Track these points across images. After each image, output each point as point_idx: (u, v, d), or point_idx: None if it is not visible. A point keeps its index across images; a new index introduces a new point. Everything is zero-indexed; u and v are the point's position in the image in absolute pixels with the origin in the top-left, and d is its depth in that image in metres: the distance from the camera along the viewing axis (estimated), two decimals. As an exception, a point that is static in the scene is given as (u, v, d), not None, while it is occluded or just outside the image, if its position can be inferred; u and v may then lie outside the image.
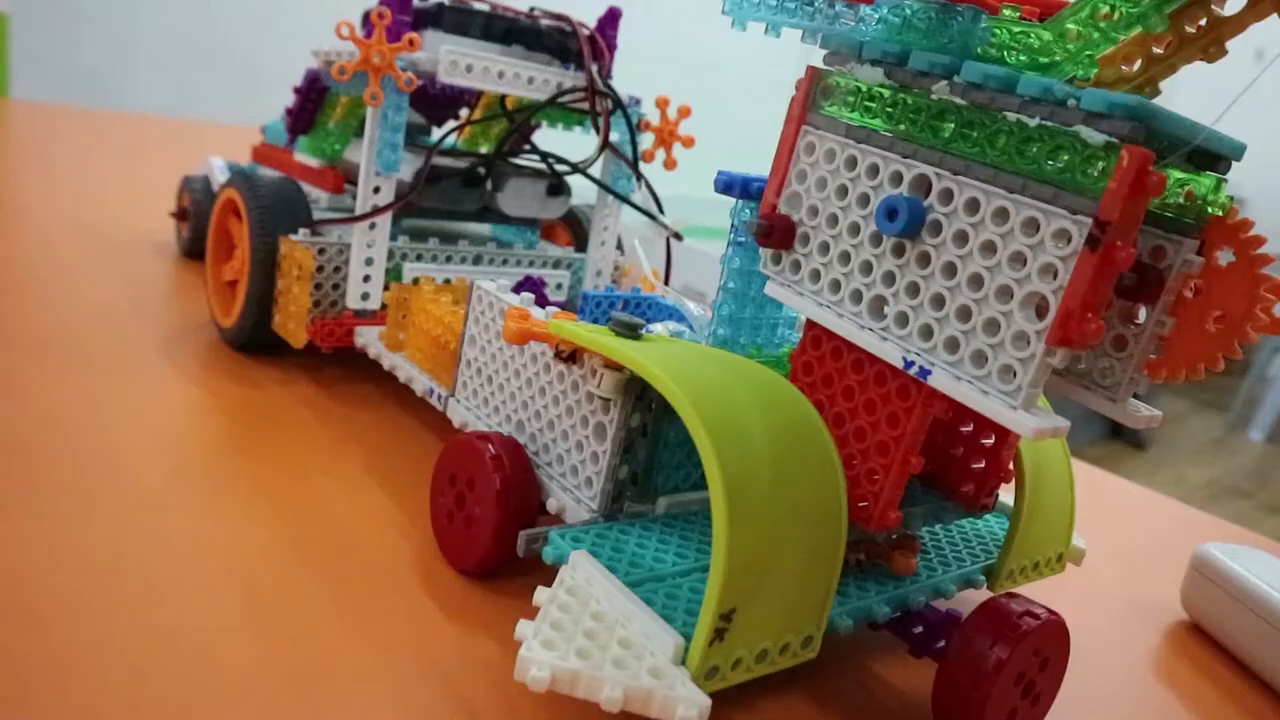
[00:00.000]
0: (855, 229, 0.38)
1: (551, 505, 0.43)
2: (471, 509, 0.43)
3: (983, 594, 0.48)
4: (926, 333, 0.35)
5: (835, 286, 0.39)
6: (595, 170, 0.72)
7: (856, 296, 0.38)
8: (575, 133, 0.80)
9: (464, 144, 0.85)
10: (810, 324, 0.41)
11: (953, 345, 0.34)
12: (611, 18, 0.71)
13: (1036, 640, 0.37)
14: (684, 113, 0.72)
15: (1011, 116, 0.33)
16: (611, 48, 0.70)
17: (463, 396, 0.52)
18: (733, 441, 0.32)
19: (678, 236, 0.69)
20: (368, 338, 0.62)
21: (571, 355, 0.40)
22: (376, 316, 0.65)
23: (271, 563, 0.43)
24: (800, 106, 0.40)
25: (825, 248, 0.39)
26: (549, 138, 0.82)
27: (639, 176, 0.70)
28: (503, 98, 0.71)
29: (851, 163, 0.38)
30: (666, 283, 0.76)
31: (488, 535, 0.42)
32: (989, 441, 0.44)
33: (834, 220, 0.39)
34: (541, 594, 0.35)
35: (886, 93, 0.37)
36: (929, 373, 0.35)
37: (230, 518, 0.46)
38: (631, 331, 0.39)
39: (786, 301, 0.41)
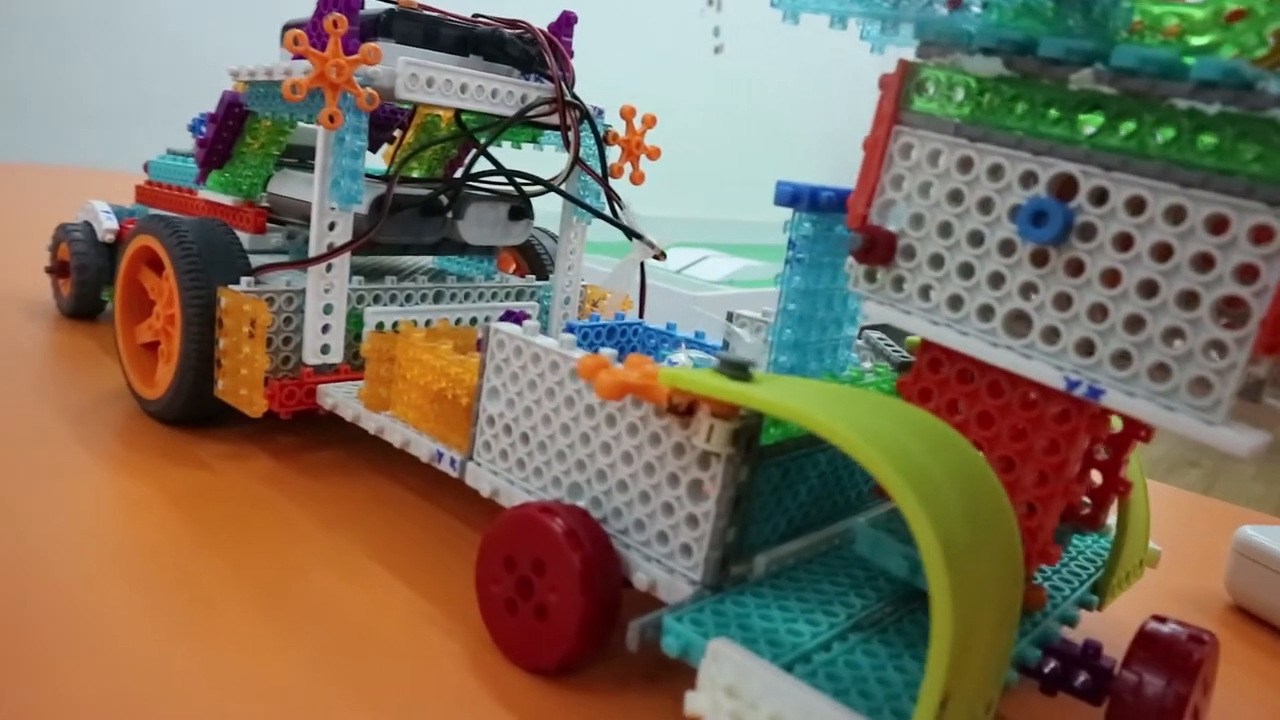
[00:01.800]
0: (977, 238, 0.34)
1: (640, 581, 0.37)
2: (544, 597, 0.37)
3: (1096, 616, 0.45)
4: (1086, 348, 0.32)
5: (956, 303, 0.35)
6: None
7: (986, 312, 0.34)
8: (525, 150, 0.74)
9: (391, 170, 0.77)
10: (926, 346, 0.36)
11: (1122, 360, 0.31)
12: (566, 22, 0.65)
13: (1207, 668, 0.35)
14: (649, 123, 0.67)
15: (1181, 104, 0.29)
16: (569, 54, 0.64)
17: (486, 459, 0.44)
18: (936, 504, 0.27)
19: (662, 255, 0.64)
20: (338, 397, 0.54)
21: (690, 408, 0.34)
22: (339, 371, 0.57)
23: (296, 697, 0.35)
24: (892, 105, 0.36)
25: (938, 260, 0.35)
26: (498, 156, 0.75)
27: (610, 193, 0.64)
28: (458, 114, 0.64)
29: (966, 164, 0.34)
30: (641, 310, 0.70)
31: (571, 628, 0.36)
32: (1101, 456, 0.41)
33: (947, 229, 0.35)
34: (698, 702, 0.29)
35: (1008, 85, 0.33)
36: (1101, 392, 0.31)
37: (224, 642, 0.38)
38: (742, 373, 0.33)
39: (893, 323, 0.36)
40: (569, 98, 0.61)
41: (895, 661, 0.33)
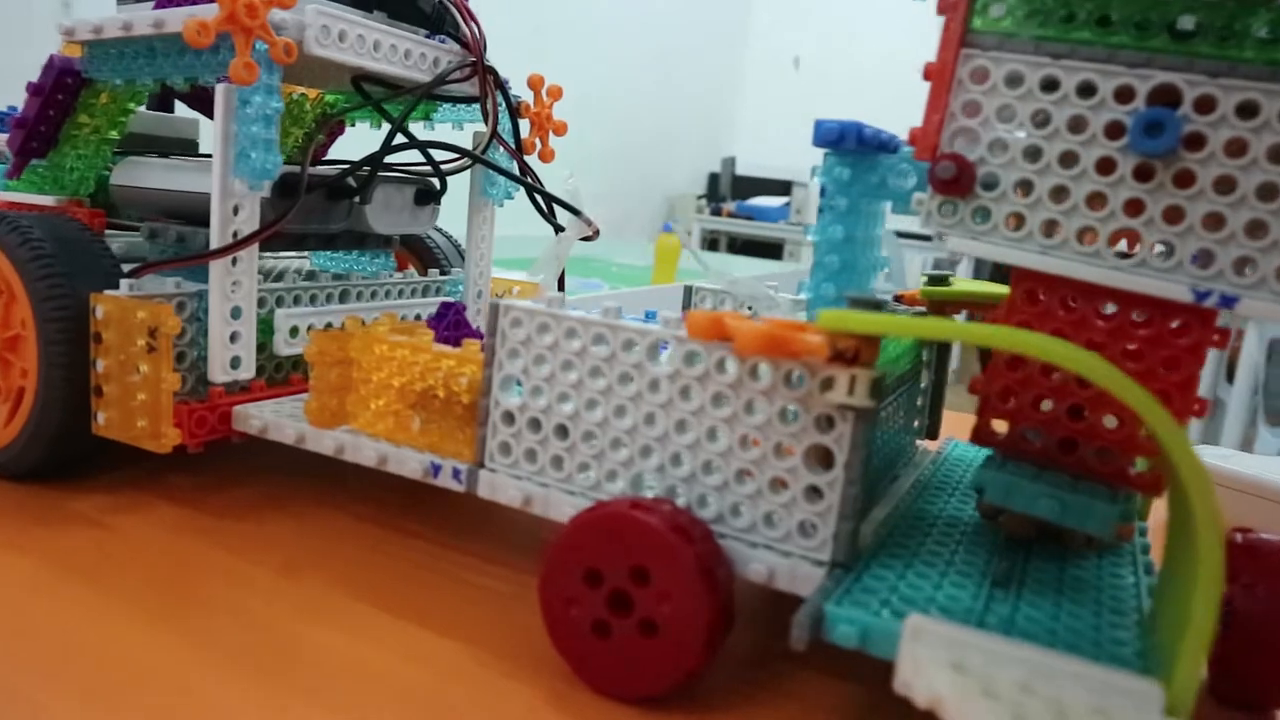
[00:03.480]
0: (1070, 158, 0.33)
1: (757, 573, 0.32)
2: (652, 610, 0.31)
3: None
4: (1205, 259, 0.31)
5: (1051, 228, 0.33)
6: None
7: (1087, 235, 0.33)
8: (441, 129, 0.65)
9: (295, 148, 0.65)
10: (1021, 277, 0.34)
11: (1244, 266, 0.30)
12: (463, -21, 0.58)
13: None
14: (555, 95, 0.61)
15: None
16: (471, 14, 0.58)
17: (504, 464, 0.37)
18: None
19: (596, 233, 0.58)
20: (267, 418, 0.44)
21: (856, 355, 0.29)
22: (251, 389, 0.47)
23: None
24: (959, 26, 0.34)
25: (1025, 186, 0.33)
26: (358, 137, 0.66)
27: (526, 169, 0.58)
28: (359, 82, 0.54)
29: (1050, 84, 0.33)
30: (561, 290, 0.65)
31: (693, 640, 0.30)
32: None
33: (1035, 153, 0.33)
34: (929, 684, 0.25)
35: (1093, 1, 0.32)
36: (1235, 300, 0.30)
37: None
38: (878, 310, 0.29)
39: (982, 255, 0.34)
40: (487, 62, 0.54)
41: (1067, 612, 0.31)
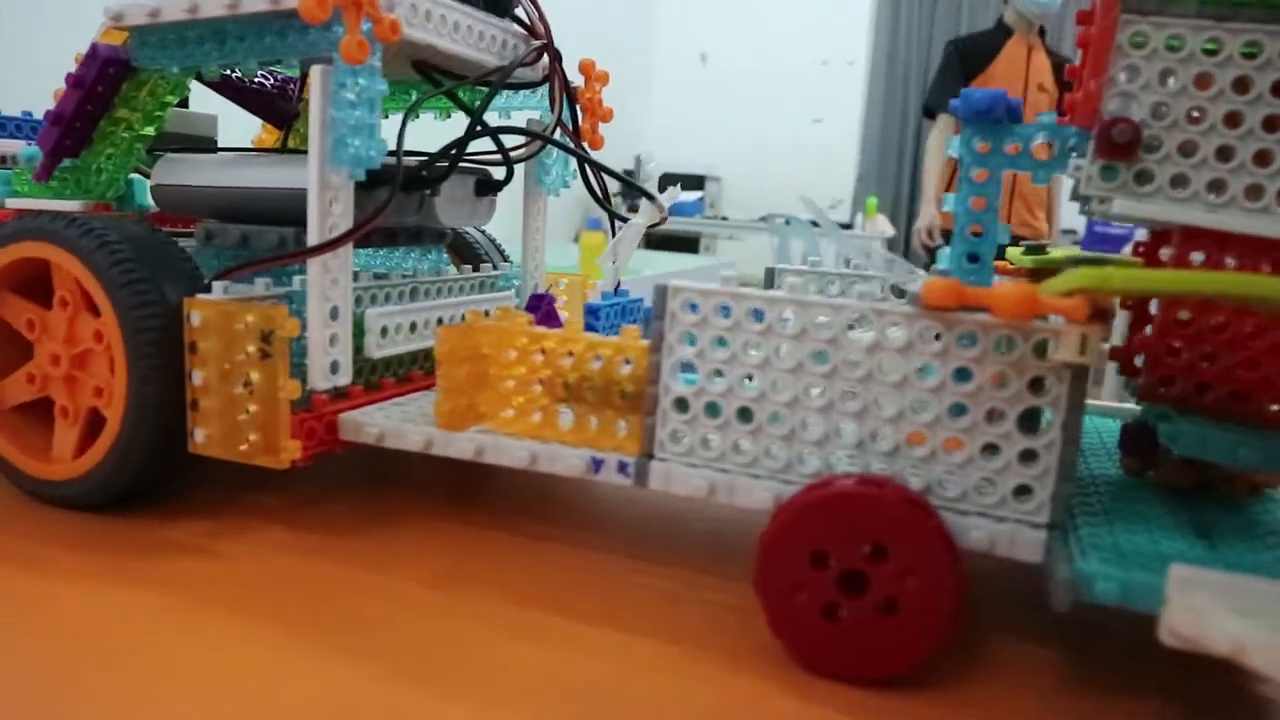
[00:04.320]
0: (1234, 119, 0.34)
1: (977, 541, 0.32)
2: (892, 587, 0.30)
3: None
4: (1379, 207, 0.33)
5: (1218, 187, 0.34)
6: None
7: (1255, 192, 0.34)
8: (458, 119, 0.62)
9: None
10: (1186, 239, 0.35)
11: None
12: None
13: None
14: (603, 80, 0.60)
15: None
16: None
17: (677, 452, 0.36)
18: None
19: (664, 219, 0.57)
20: (386, 424, 0.41)
21: (1100, 312, 0.29)
22: (352, 395, 0.44)
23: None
24: (1118, -7, 0.35)
25: (1189, 148, 0.34)
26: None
27: (585, 156, 0.56)
28: (425, 67, 0.51)
29: (1214, 47, 0.34)
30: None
31: (938, 614, 0.30)
32: None
33: (1199, 115, 0.34)
34: (1230, 629, 0.25)
35: (1261, -39, 0.33)
36: None
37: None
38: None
39: (1147, 216, 0.35)
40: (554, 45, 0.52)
41: (1275, 554, 0.32)
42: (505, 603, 0.36)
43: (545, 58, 0.52)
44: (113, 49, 0.45)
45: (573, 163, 0.57)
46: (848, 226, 2.96)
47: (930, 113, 1.75)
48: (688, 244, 3.59)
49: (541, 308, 0.49)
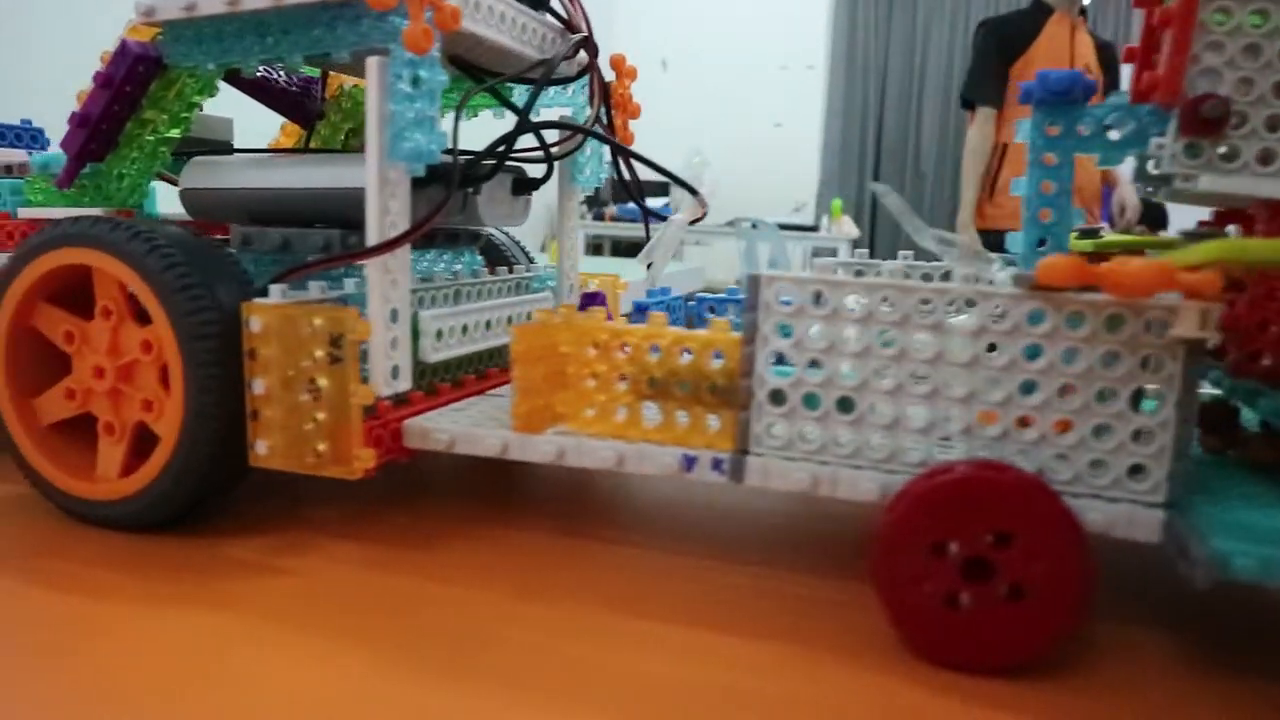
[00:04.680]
0: (1321, 92, 0.34)
1: (1094, 523, 0.31)
2: (1020, 572, 0.29)
3: None
4: None
5: (1306, 161, 0.34)
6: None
7: (1344, 164, 0.34)
8: (482, 117, 0.60)
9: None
10: (1276, 212, 0.35)
11: None
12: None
13: None
14: (631, 76, 0.59)
15: None
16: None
17: (773, 446, 0.35)
18: None
19: (703, 215, 0.56)
20: (455, 429, 0.39)
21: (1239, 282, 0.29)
22: (413, 401, 0.42)
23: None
24: (1202, -31, 0.35)
25: (1275, 121, 0.34)
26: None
27: (630, 152, 0.55)
28: (463, 62, 0.49)
29: (1300, 20, 0.34)
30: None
31: (1072, 597, 0.29)
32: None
33: (1285, 88, 0.34)
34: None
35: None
36: None
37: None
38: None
39: (1234, 191, 0.35)
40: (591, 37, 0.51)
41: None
42: (603, 611, 0.35)
43: (582, 52, 0.51)
44: (143, 46, 0.43)
45: (606, 159, 0.56)
46: (814, 228, 2.98)
47: (969, 104, 1.47)
48: (654, 250, 3.59)
49: (595, 306, 0.48)
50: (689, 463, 0.36)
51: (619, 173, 0.55)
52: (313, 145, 0.57)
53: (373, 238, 0.39)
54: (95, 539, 0.39)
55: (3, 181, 0.53)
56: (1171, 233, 0.52)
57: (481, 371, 0.49)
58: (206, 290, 0.37)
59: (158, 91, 0.44)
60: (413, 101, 0.38)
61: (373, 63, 0.38)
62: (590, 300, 0.49)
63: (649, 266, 0.55)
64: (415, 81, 0.38)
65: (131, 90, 0.44)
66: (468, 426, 0.39)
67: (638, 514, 0.46)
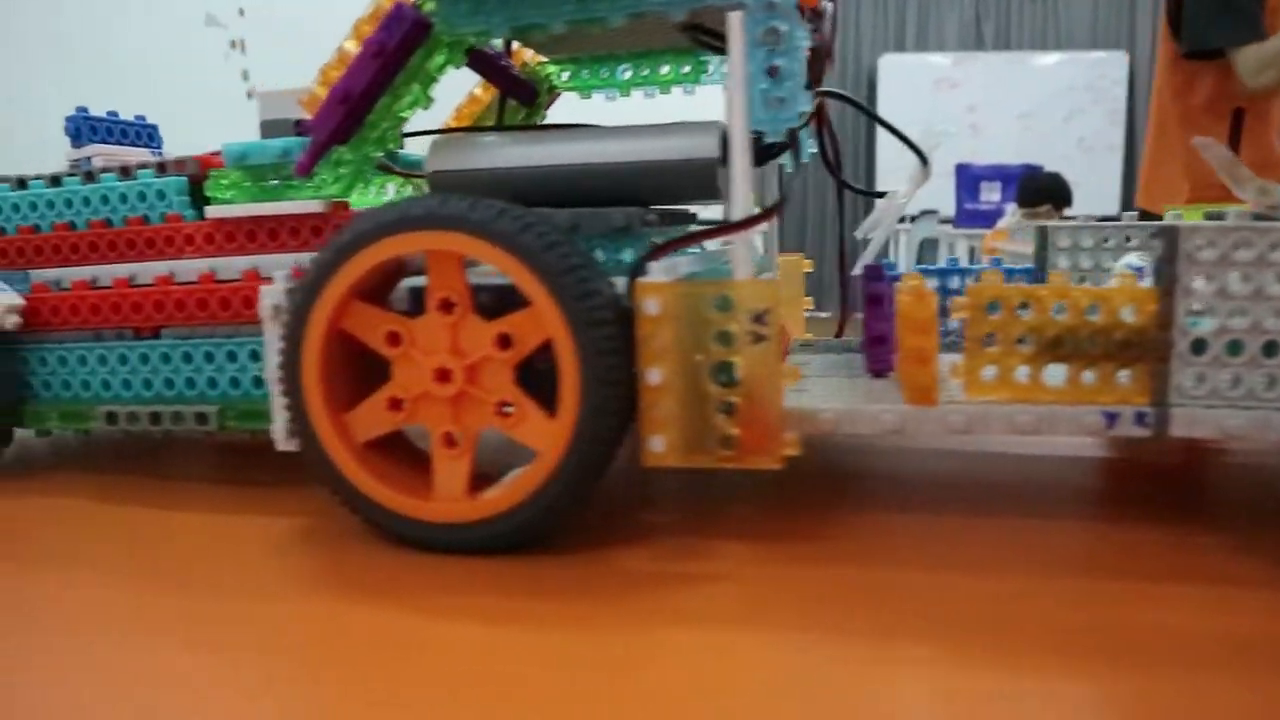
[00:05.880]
0: None
1: None
2: None
3: None
4: None
5: None
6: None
7: None
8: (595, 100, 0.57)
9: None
10: None
11: None
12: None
13: None
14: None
15: None
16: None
17: (1197, 395, 0.35)
18: None
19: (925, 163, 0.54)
20: (839, 410, 0.36)
21: None
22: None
23: None
24: None
25: None
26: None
27: (880, 120, 0.53)
28: (694, 29, 0.45)
29: None
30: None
31: None
32: None
33: None
34: None
35: None
36: None
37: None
38: None
39: None
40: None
41: None
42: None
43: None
44: (418, 11, 0.37)
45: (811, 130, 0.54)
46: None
47: (1207, 54, 0.97)
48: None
49: (881, 278, 0.46)
50: (1110, 419, 0.35)
51: (821, 149, 0.53)
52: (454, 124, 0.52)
53: (738, 210, 0.36)
54: (456, 566, 0.34)
55: (170, 180, 0.45)
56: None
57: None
58: (591, 271, 0.33)
59: (417, 63, 0.39)
60: (773, 59, 0.36)
61: (735, 17, 0.35)
62: (876, 272, 0.47)
63: (865, 241, 0.54)
64: (773, 36, 0.36)
65: (397, 61, 0.38)
66: (852, 404, 0.37)
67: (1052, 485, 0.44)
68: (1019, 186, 1.75)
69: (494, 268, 0.33)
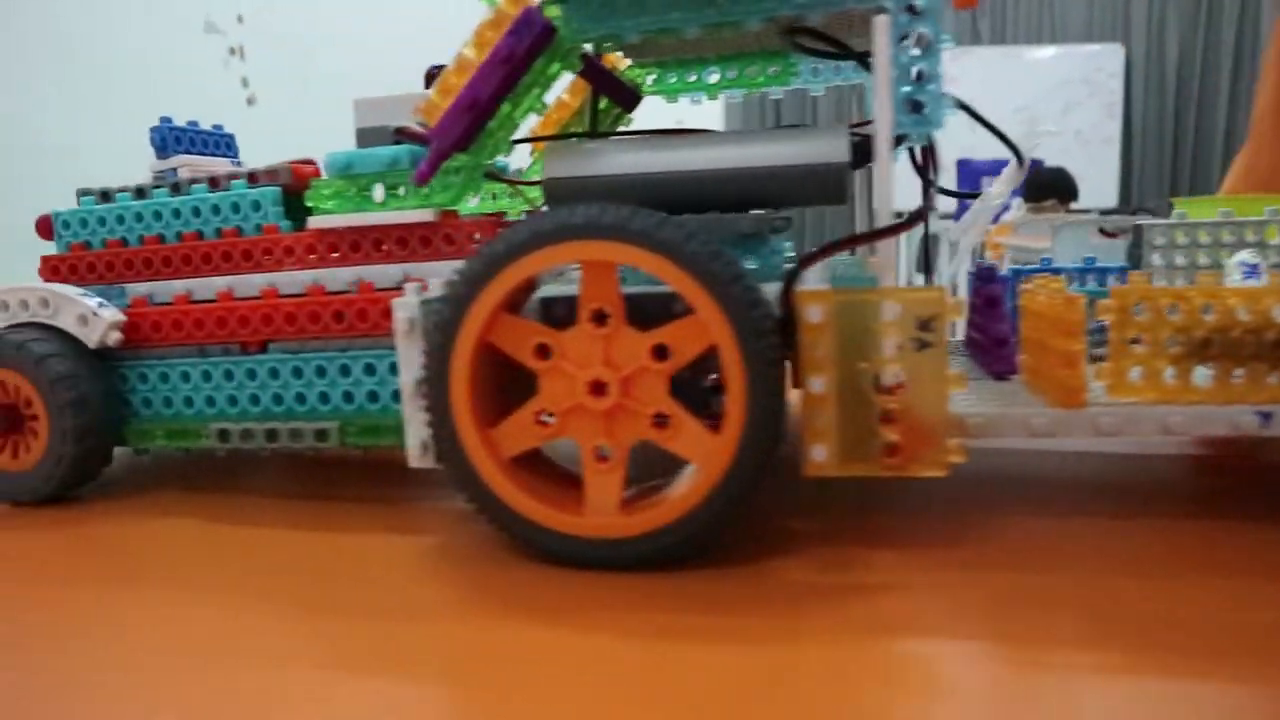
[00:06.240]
0: None
1: None
2: None
3: None
4: None
5: None
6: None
7: None
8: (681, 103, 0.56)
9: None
10: None
11: None
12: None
13: None
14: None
15: None
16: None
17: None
18: None
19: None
20: (984, 416, 0.36)
21: None
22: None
23: None
24: None
25: None
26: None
27: (982, 119, 0.52)
28: (797, 32, 0.45)
29: None
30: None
31: None
32: None
33: None
34: None
35: None
36: None
37: None
38: None
39: None
40: None
41: None
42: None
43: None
44: (543, 15, 0.37)
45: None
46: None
47: None
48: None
49: (995, 279, 0.45)
50: (1264, 418, 0.35)
51: (910, 152, 0.53)
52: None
53: (884, 213, 0.35)
54: (607, 583, 0.33)
55: (265, 190, 0.44)
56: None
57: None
58: (753, 279, 0.32)
59: (539, 68, 0.38)
60: (920, 61, 0.35)
61: (880, 21, 0.35)
62: (990, 273, 0.46)
63: (956, 243, 0.53)
64: (918, 40, 0.35)
65: (525, 67, 0.37)
66: (1000, 408, 0.36)
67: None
68: (1024, 181, 1.76)
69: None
